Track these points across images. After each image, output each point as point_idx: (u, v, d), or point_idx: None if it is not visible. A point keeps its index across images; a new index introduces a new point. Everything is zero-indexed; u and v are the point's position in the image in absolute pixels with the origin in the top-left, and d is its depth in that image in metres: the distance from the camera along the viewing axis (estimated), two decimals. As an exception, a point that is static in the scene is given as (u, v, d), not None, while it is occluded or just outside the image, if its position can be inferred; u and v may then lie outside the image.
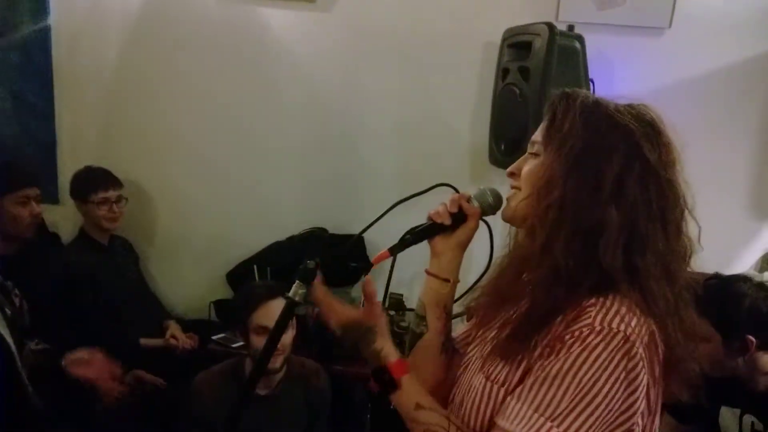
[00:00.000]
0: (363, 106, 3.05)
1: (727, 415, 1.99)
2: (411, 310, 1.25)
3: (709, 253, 1.11)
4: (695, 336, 1.04)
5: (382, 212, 3.25)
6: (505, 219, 1.12)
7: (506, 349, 1.02)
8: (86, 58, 3.12)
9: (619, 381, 0.91)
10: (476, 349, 1.15)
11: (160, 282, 3.24)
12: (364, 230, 1.30)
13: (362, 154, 3.09)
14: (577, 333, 0.93)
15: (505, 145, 2.55)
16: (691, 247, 1.05)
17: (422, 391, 1.08)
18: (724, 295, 1.83)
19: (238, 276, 3.11)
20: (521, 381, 0.98)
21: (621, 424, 0.93)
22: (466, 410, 1.06)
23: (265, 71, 3.07)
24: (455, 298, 1.23)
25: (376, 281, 1.19)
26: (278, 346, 1.99)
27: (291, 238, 3.13)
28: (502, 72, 2.62)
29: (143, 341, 2.73)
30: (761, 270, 2.95)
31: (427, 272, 1.22)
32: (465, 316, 1.27)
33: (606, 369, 0.91)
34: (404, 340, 2.63)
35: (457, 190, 1.22)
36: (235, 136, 3.14)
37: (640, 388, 0.93)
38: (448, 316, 1.22)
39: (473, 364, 1.12)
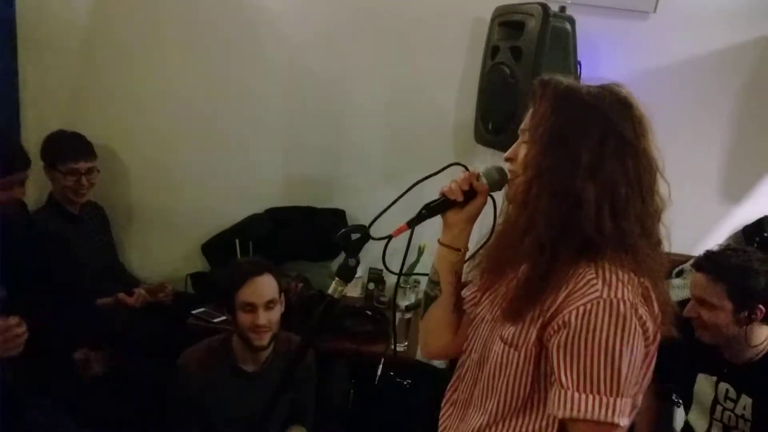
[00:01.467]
0: (349, 81, 3.00)
1: (703, 382, 2.10)
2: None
3: (680, 234, 1.21)
4: (664, 281, 1.17)
5: (364, 187, 3.26)
6: (509, 200, 1.23)
7: (512, 314, 1.15)
8: (54, 11, 2.95)
9: (638, 343, 1.05)
10: (485, 311, 1.27)
11: (133, 253, 3.17)
12: (385, 210, 1.30)
13: (346, 129, 3.05)
14: (589, 306, 1.04)
15: (493, 124, 2.56)
16: (663, 204, 1.17)
17: None
18: (741, 266, 1.89)
19: (213, 248, 3.06)
20: (536, 345, 1.11)
21: (647, 372, 1.13)
22: (490, 371, 1.18)
23: (247, 39, 2.98)
24: (468, 257, 1.34)
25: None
26: (266, 323, 2.01)
27: (270, 211, 3.08)
28: (492, 50, 2.61)
29: (121, 296, 2.65)
30: (727, 251, 3.06)
31: (440, 242, 1.32)
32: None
33: (626, 337, 1.03)
34: (385, 314, 2.66)
35: (467, 169, 1.30)
36: (213, 105, 3.05)
37: (652, 335, 1.08)
38: (459, 281, 1.35)
39: (485, 324, 1.25)
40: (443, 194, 1.27)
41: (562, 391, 1.05)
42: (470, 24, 2.89)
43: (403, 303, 2.61)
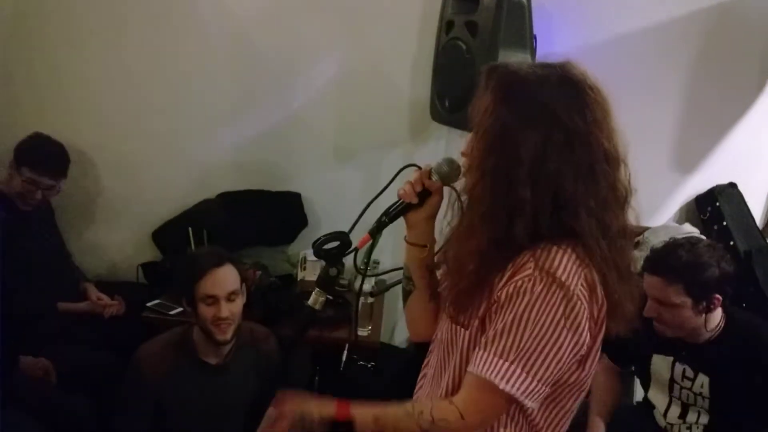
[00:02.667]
0: (297, 58, 2.90)
1: (659, 362, 2.13)
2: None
3: (632, 204, 1.18)
4: (631, 277, 1.15)
5: (319, 168, 3.19)
6: (465, 193, 1.21)
7: (458, 303, 1.17)
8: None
9: (563, 321, 1.04)
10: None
11: (81, 244, 3.02)
12: (352, 228, 1.32)
13: (297, 108, 2.96)
14: (519, 283, 1.06)
15: (450, 102, 2.51)
16: (627, 192, 1.13)
17: (367, 407, 1.19)
18: (695, 262, 1.89)
19: (165, 236, 2.96)
20: (479, 327, 1.13)
21: (572, 356, 1.08)
22: (444, 348, 1.23)
23: (188, 16, 2.84)
24: (437, 251, 1.34)
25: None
26: (228, 315, 1.94)
27: (222, 195, 2.98)
28: (446, 25, 2.56)
29: (63, 306, 2.55)
30: (680, 221, 3.13)
31: (407, 241, 1.34)
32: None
33: (549, 312, 1.03)
34: (346, 298, 2.62)
35: (419, 167, 1.29)
36: (157, 88, 2.92)
37: (583, 323, 1.06)
38: (431, 273, 1.35)
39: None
40: (400, 197, 1.28)
41: (480, 351, 1.09)
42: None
43: (364, 287, 2.56)
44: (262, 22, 2.86)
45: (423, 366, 1.37)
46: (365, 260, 1.34)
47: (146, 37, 2.86)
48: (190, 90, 2.94)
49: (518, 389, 1.05)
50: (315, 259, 2.98)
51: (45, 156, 2.54)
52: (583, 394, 1.19)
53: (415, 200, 1.25)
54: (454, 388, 1.18)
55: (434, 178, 1.25)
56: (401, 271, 1.40)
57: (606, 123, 1.09)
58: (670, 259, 1.92)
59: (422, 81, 2.81)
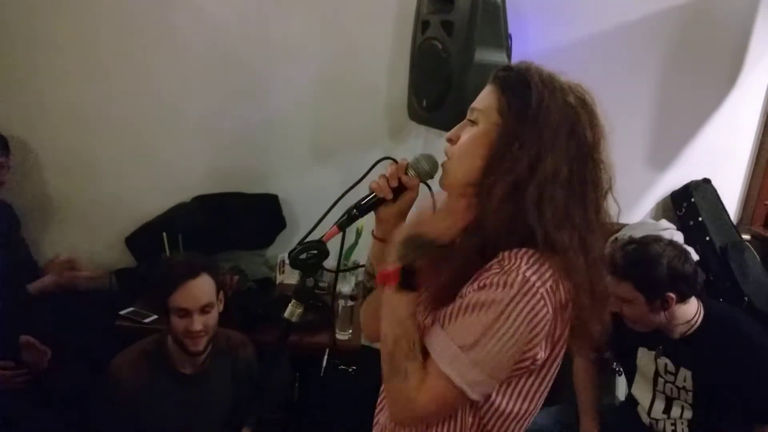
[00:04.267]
0: (272, 58, 2.85)
1: (644, 355, 2.16)
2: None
3: (608, 202, 1.17)
4: (605, 303, 1.12)
5: (296, 169, 3.15)
6: (444, 188, 1.17)
7: (434, 302, 1.13)
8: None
9: (521, 317, 1.00)
10: (422, 297, 1.21)
11: (51, 250, 2.93)
12: (318, 222, 1.26)
13: (273, 109, 2.91)
14: (484, 279, 1.03)
15: (428, 101, 2.49)
16: (609, 224, 1.14)
17: (409, 310, 1.12)
18: (642, 258, 1.94)
19: (139, 241, 2.88)
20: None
21: (525, 355, 1.04)
22: None
23: (163, 19, 2.78)
24: None
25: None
26: (201, 328, 1.90)
27: (198, 199, 2.93)
28: (422, 25, 2.54)
29: (32, 286, 2.48)
30: (656, 217, 3.15)
31: (374, 236, 1.29)
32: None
33: (507, 306, 1.00)
34: (325, 301, 2.59)
35: (396, 161, 1.23)
36: (130, 88, 2.85)
37: (542, 324, 1.02)
38: None
39: (419, 311, 1.20)
40: (372, 190, 1.22)
41: (435, 329, 1.07)
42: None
43: (344, 289, 2.53)
44: (236, 23, 2.81)
45: (382, 389, 1.29)
46: (339, 255, 1.29)
47: (120, 40, 2.79)
48: (165, 93, 2.87)
49: (463, 376, 1.02)
50: (293, 261, 2.95)
51: None
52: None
53: (389, 195, 1.20)
54: None
55: (411, 173, 1.20)
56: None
57: (604, 149, 1.09)
58: (618, 257, 1.96)
59: (399, 80, 2.79)
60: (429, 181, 1.23)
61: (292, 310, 1.18)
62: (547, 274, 1.03)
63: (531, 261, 1.03)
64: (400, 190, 1.21)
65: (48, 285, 2.55)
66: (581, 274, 1.05)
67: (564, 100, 1.07)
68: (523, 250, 1.04)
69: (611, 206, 1.13)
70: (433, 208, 1.23)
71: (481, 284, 1.03)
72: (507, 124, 1.08)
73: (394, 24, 2.83)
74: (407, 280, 1.09)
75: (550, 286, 1.02)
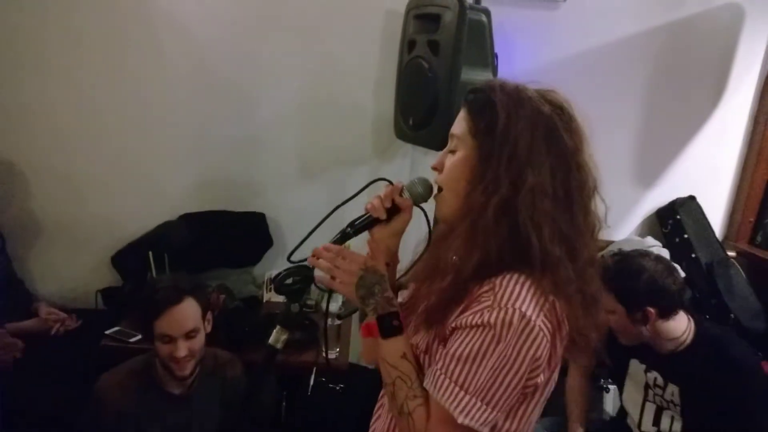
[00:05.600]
0: (259, 77, 2.87)
1: (635, 368, 2.16)
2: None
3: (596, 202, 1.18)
4: (596, 307, 1.13)
5: (283, 187, 3.14)
6: (440, 219, 1.20)
7: (426, 321, 1.14)
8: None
9: (523, 354, 1.01)
10: (411, 317, 1.23)
11: (36, 269, 2.93)
12: (305, 239, 1.27)
13: (260, 128, 2.92)
14: (479, 315, 1.02)
15: (414, 120, 2.50)
16: (599, 224, 1.13)
17: (409, 343, 1.15)
18: (624, 270, 1.95)
19: (125, 259, 2.87)
20: (436, 351, 1.10)
21: (528, 383, 1.05)
22: None
23: (148, 38, 2.79)
24: (401, 275, 1.32)
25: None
26: (186, 354, 1.88)
27: (184, 217, 2.92)
28: (408, 44, 2.55)
29: (11, 326, 2.44)
30: (642, 234, 3.17)
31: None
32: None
33: (512, 346, 1.00)
34: (313, 320, 2.56)
35: (391, 182, 1.25)
36: (116, 107, 2.85)
37: (542, 354, 1.03)
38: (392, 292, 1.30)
39: (408, 330, 1.21)
40: (367, 210, 1.23)
41: (434, 368, 1.06)
42: (383, 17, 2.83)
43: (331, 308, 2.52)
44: (223, 43, 2.82)
45: (380, 396, 1.32)
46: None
47: (106, 60, 2.79)
48: (151, 112, 2.88)
49: (476, 420, 1.03)
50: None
51: None
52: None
53: (383, 216, 1.22)
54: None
55: (405, 195, 1.22)
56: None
57: (586, 152, 1.09)
58: (605, 269, 1.95)
59: (386, 99, 2.80)
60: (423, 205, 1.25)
61: (276, 337, 1.18)
62: (542, 300, 1.03)
63: (524, 291, 1.03)
64: (393, 211, 1.23)
65: (27, 329, 2.52)
66: (572, 286, 1.06)
67: (536, 109, 1.07)
68: (514, 277, 1.05)
69: (599, 206, 1.13)
70: (429, 229, 1.28)
71: (478, 321, 1.02)
72: (481, 146, 1.09)
73: (381, 43, 2.85)
74: (387, 327, 1.12)
75: (546, 314, 1.03)
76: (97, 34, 2.76)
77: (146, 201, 2.95)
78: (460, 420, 1.02)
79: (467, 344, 1.03)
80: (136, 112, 2.87)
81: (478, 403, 1.02)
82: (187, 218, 2.92)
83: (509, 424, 1.10)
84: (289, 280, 1.18)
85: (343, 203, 1.27)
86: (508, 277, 1.05)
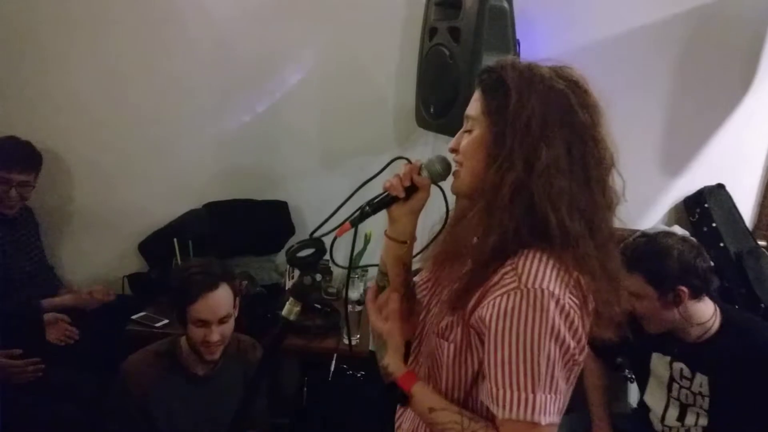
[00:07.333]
0: (281, 67, 2.88)
1: (658, 361, 2.12)
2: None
3: (621, 208, 1.17)
4: (618, 281, 1.12)
5: (306, 176, 3.15)
6: (454, 193, 1.22)
7: (450, 305, 1.13)
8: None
9: (562, 333, 1.00)
10: (434, 300, 1.25)
11: (66, 255, 2.99)
12: (330, 216, 1.26)
13: (283, 117, 2.93)
14: (504, 301, 1.01)
15: (435, 108, 2.50)
16: (617, 199, 1.13)
17: (431, 394, 1.16)
18: (652, 250, 1.91)
19: (151, 247, 2.92)
20: (463, 339, 1.10)
21: (573, 358, 1.04)
22: (432, 362, 1.19)
23: (172, 27, 2.82)
24: (417, 252, 1.33)
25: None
26: (219, 339, 1.92)
27: (209, 205, 2.96)
28: (430, 32, 2.55)
29: (47, 301, 2.54)
30: (669, 223, 3.12)
31: (386, 235, 1.30)
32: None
33: (543, 329, 0.99)
34: (334, 307, 2.59)
35: (410, 161, 1.26)
36: (140, 96, 2.89)
37: (579, 329, 1.03)
38: (408, 271, 1.33)
39: (432, 315, 1.24)
40: (386, 189, 1.25)
41: (488, 386, 1.04)
42: (404, 4, 2.81)
43: (353, 295, 2.54)
44: (246, 31, 2.84)
45: None
46: (351, 251, 1.31)
47: (134, 51, 2.84)
48: (176, 100, 2.91)
49: (554, 413, 1.01)
50: (303, 267, 2.96)
51: (11, 152, 2.54)
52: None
53: (402, 194, 1.22)
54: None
55: (424, 174, 1.22)
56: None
57: (602, 126, 1.09)
58: (628, 250, 1.92)
59: (407, 87, 2.80)
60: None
61: (289, 309, 1.19)
62: (566, 277, 1.03)
63: (548, 270, 1.03)
64: (412, 189, 1.23)
65: (63, 303, 2.60)
66: (593, 261, 1.06)
67: (548, 86, 1.07)
68: (536, 255, 1.04)
69: (617, 181, 1.12)
70: (446, 209, 1.30)
71: (508, 308, 1.01)
72: (495, 125, 1.09)
73: (402, 31, 2.84)
74: (393, 398, 1.17)
75: (571, 290, 1.03)
76: (126, 26, 2.81)
77: (173, 189, 2.99)
78: (544, 422, 1.00)
79: (507, 343, 1.01)
80: (164, 101, 2.91)
81: (549, 396, 1.00)
82: (210, 206, 2.95)
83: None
84: (302, 253, 1.19)
85: (366, 182, 1.29)
86: (530, 255, 1.05)
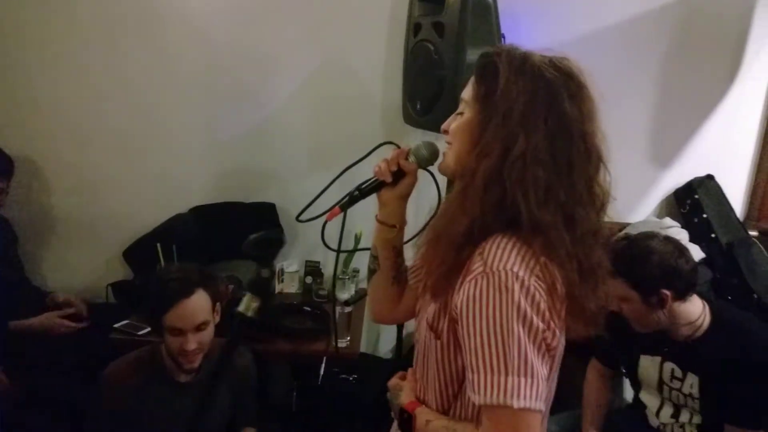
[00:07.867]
0: (267, 67, 2.85)
1: (646, 364, 2.08)
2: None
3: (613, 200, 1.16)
4: (595, 278, 1.10)
5: (293, 177, 3.12)
6: (441, 172, 1.21)
7: (432, 291, 1.14)
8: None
9: (529, 314, 0.98)
10: (421, 286, 1.24)
11: (47, 264, 2.95)
12: (316, 198, 1.36)
13: (269, 118, 2.91)
14: (471, 284, 1.01)
15: (421, 104, 2.46)
16: (605, 196, 1.11)
17: (428, 411, 1.20)
18: (633, 254, 1.88)
19: (136, 254, 2.87)
20: (449, 333, 1.10)
21: (544, 341, 1.02)
22: (424, 354, 1.20)
23: (155, 27, 2.79)
24: (410, 238, 1.36)
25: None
26: (196, 347, 1.86)
27: (195, 209, 2.91)
28: (414, 27, 2.51)
29: (13, 324, 2.45)
30: (660, 215, 3.10)
31: (377, 219, 1.34)
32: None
33: (512, 309, 0.98)
34: (324, 309, 2.55)
35: (398, 146, 1.29)
36: (125, 101, 2.86)
37: (546, 312, 1.01)
38: (398, 255, 1.37)
39: (422, 300, 1.24)
40: (375, 174, 1.28)
41: (467, 374, 1.03)
42: (389, 2, 2.79)
43: (342, 296, 2.50)
44: (229, 35, 2.81)
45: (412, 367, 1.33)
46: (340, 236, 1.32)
47: (115, 56, 2.81)
48: (161, 106, 2.88)
49: (529, 398, 0.97)
50: (293, 270, 2.92)
51: None
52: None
53: (389, 179, 1.25)
54: (442, 402, 1.17)
55: (411, 159, 1.24)
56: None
57: (593, 121, 1.07)
58: (610, 254, 1.89)
59: (394, 85, 2.77)
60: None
61: (247, 304, 1.17)
62: (532, 261, 1.02)
63: (512, 252, 1.02)
64: (399, 174, 1.26)
65: (31, 328, 2.50)
66: (566, 252, 1.04)
67: (537, 75, 1.05)
68: (503, 239, 1.04)
69: (607, 179, 1.11)
70: (438, 194, 1.31)
71: (475, 293, 1.00)
72: (482, 111, 1.09)
73: (387, 28, 2.81)
74: (402, 417, 1.22)
75: (538, 273, 1.02)
76: (105, 30, 2.78)
77: (158, 195, 2.95)
78: (516, 405, 0.96)
79: (477, 328, 1.00)
80: (147, 106, 2.87)
81: (522, 379, 0.97)
82: (197, 210, 2.91)
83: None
84: (258, 245, 1.18)
85: (352, 165, 1.34)
86: (497, 239, 1.05)
